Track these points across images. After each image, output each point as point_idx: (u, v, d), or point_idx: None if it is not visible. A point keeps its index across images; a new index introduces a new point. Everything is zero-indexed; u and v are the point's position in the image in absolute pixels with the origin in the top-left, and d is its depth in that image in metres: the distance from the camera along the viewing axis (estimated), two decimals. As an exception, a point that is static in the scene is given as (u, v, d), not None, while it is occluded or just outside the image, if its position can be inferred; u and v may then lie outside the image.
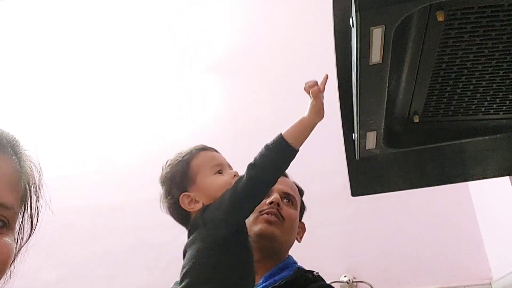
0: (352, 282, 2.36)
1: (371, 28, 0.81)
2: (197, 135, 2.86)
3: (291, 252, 1.68)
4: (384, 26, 0.81)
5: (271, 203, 1.62)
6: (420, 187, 1.55)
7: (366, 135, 1.15)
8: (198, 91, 3.07)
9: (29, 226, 0.83)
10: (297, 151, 1.28)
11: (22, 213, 0.81)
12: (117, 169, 2.96)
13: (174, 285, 1.48)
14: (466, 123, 1.20)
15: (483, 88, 1.07)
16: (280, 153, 1.27)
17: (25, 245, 0.83)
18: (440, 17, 0.85)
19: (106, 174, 2.96)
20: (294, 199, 1.71)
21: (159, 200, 1.43)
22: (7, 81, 3.30)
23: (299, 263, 1.64)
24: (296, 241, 1.71)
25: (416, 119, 1.17)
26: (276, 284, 1.49)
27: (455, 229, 2.41)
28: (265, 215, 1.61)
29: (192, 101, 3.06)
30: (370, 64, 0.89)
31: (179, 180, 1.38)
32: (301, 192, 1.78)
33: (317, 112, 1.30)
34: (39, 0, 3.50)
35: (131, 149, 2.99)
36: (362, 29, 0.81)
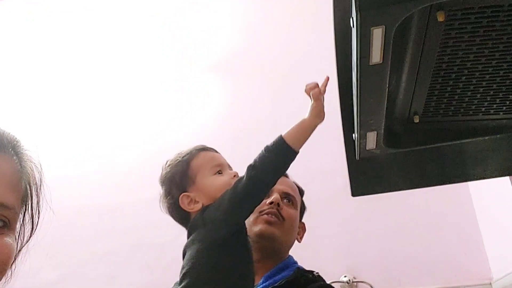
0: (352, 282, 2.36)
1: (371, 28, 0.81)
2: (197, 135, 2.86)
3: (291, 252, 1.68)
4: (384, 26, 0.81)
5: (271, 203, 1.62)
6: (420, 187, 1.55)
7: (366, 135, 1.15)
8: (198, 91, 3.07)
9: (30, 226, 0.83)
10: (297, 153, 1.28)
11: (23, 213, 0.81)
12: (117, 169, 2.96)
13: (174, 286, 1.48)
14: (466, 123, 1.20)
15: (483, 88, 1.07)
16: (280, 154, 1.27)
17: (26, 245, 0.83)
18: (441, 18, 0.85)
19: (106, 174, 2.96)
20: (294, 199, 1.71)
21: (159, 200, 1.43)
22: (7, 81, 3.30)
23: (300, 263, 1.64)
24: (296, 241, 1.71)
25: (416, 119, 1.17)
26: (276, 284, 1.49)
27: (455, 229, 2.42)
28: (265, 216, 1.61)
29: (192, 101, 3.06)
30: (371, 64, 0.89)
31: (179, 180, 1.38)
32: (301, 192, 1.78)
33: (318, 114, 1.30)
34: (39, 0, 3.50)
35: (131, 149, 2.99)
36: (362, 29, 0.81)
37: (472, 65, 0.99)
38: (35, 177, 0.83)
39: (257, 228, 1.60)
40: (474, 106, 1.14)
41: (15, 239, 0.79)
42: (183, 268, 1.27)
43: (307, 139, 1.29)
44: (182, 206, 1.36)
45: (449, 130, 1.22)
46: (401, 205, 2.47)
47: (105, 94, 3.18)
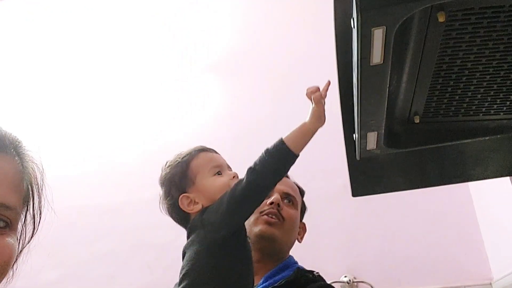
0: (353, 282, 2.36)
1: (372, 29, 0.81)
2: (197, 135, 2.86)
3: (291, 252, 1.68)
4: (385, 27, 0.81)
5: (271, 203, 1.62)
6: (421, 187, 1.55)
7: (366, 135, 1.15)
8: (198, 91, 3.07)
9: (31, 227, 0.83)
10: (297, 156, 1.28)
11: (24, 213, 0.81)
12: (117, 169, 2.96)
13: (174, 287, 1.48)
14: (467, 123, 1.20)
15: (483, 89, 1.07)
16: (280, 158, 1.27)
17: (27, 245, 0.83)
18: (441, 18, 0.85)
19: (106, 174, 2.96)
20: (295, 199, 1.71)
21: (159, 201, 1.43)
22: (7, 81, 3.29)
23: (300, 263, 1.64)
24: (297, 241, 1.71)
25: (417, 120, 1.17)
26: (276, 284, 1.49)
27: (456, 229, 2.42)
28: (265, 216, 1.61)
29: (192, 101, 3.06)
30: (371, 64, 0.89)
31: (178, 181, 1.38)
32: (301, 193, 1.78)
33: (319, 118, 1.30)
34: (39, 0, 3.50)
35: (131, 149, 2.99)
36: (363, 30, 0.81)
37: (473, 66, 0.99)
38: (36, 178, 0.83)
39: (257, 228, 1.60)
40: (474, 107, 1.14)
41: (17, 239, 0.79)
42: (182, 268, 1.27)
43: (307, 142, 1.29)
44: (181, 207, 1.36)
45: (450, 131, 1.22)
46: (402, 205, 2.47)
47: (105, 94, 3.19)
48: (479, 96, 1.10)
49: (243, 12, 3.25)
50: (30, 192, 0.82)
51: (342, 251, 2.47)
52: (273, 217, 1.62)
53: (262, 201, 1.36)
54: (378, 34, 0.82)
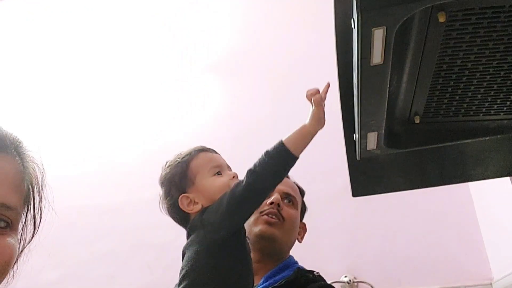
0: (353, 282, 2.36)
1: (372, 29, 0.81)
2: (197, 135, 2.86)
3: (292, 252, 1.68)
4: (385, 27, 0.81)
5: (271, 203, 1.62)
6: (421, 187, 1.55)
7: (367, 135, 1.15)
8: (198, 91, 3.07)
9: (32, 227, 0.83)
10: (297, 158, 1.28)
11: (25, 213, 0.81)
12: (117, 169, 2.96)
13: None
14: (467, 123, 1.20)
15: (484, 89, 1.07)
16: (280, 160, 1.27)
17: (28, 245, 0.83)
18: (441, 18, 0.85)
19: (106, 174, 2.96)
20: (295, 199, 1.71)
21: (159, 201, 1.43)
22: (7, 81, 3.29)
23: (300, 263, 1.64)
24: (297, 241, 1.71)
25: (417, 120, 1.17)
26: (276, 284, 1.49)
27: (456, 229, 2.42)
28: (265, 216, 1.61)
29: (192, 101, 3.06)
30: (371, 65, 0.89)
31: (178, 181, 1.38)
32: (302, 193, 1.78)
33: (319, 120, 1.30)
34: (39, 0, 3.50)
35: (131, 149, 2.99)
36: (363, 30, 0.81)
37: (473, 66, 0.99)
38: (37, 178, 0.83)
39: (257, 228, 1.60)
40: (474, 107, 1.14)
41: (17, 239, 0.79)
42: (182, 269, 1.27)
43: (307, 144, 1.29)
44: (181, 207, 1.36)
45: (450, 131, 1.22)
46: (402, 206, 2.47)
47: (105, 94, 3.18)
48: (479, 96, 1.10)
49: (243, 12, 3.25)
50: (31, 192, 0.82)
51: (342, 251, 2.47)
52: (273, 217, 1.62)
53: (262, 203, 1.36)
54: (378, 34, 0.82)
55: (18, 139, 0.82)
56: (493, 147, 1.33)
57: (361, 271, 2.39)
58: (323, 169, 2.59)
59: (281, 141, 1.28)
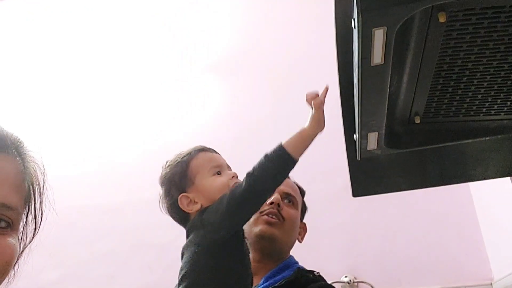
0: (353, 282, 2.36)
1: (373, 29, 0.81)
2: (197, 135, 2.86)
3: (292, 252, 1.68)
4: (386, 28, 0.81)
5: (271, 203, 1.62)
6: (421, 187, 1.55)
7: (367, 135, 1.15)
8: (198, 91, 3.08)
9: (33, 227, 0.83)
10: (296, 161, 1.28)
11: (25, 214, 0.81)
12: (117, 169, 2.96)
13: None
14: (467, 123, 1.21)
15: (484, 89, 1.07)
16: (279, 163, 1.27)
17: (29, 245, 0.83)
18: (442, 19, 0.85)
19: (106, 174, 2.96)
20: (295, 199, 1.71)
21: (159, 201, 1.43)
22: (7, 81, 3.29)
23: (300, 263, 1.64)
24: (297, 241, 1.71)
25: (417, 120, 1.17)
26: (276, 284, 1.49)
27: (456, 229, 2.42)
28: (266, 216, 1.61)
29: (192, 101, 3.06)
30: (372, 65, 0.89)
31: (178, 181, 1.38)
32: (302, 193, 1.78)
33: (318, 123, 1.30)
34: (39, 0, 3.50)
35: (131, 149, 2.99)
36: (364, 30, 0.81)
37: (473, 66, 0.99)
38: (38, 178, 0.83)
39: (258, 228, 1.60)
40: (475, 107, 1.14)
41: (18, 239, 0.79)
42: (181, 269, 1.28)
43: (307, 147, 1.29)
44: (181, 206, 1.36)
45: (450, 131, 1.22)
46: (402, 206, 2.47)
47: (105, 94, 3.19)
48: (479, 96, 1.10)
49: (243, 12, 3.25)
50: (32, 192, 0.82)
51: (342, 251, 2.47)
52: (273, 217, 1.61)
53: (262, 205, 1.37)
54: (378, 35, 0.82)
55: (19, 139, 0.82)
56: (494, 147, 1.33)
57: (362, 271, 2.39)
58: (323, 169, 2.59)
59: (281, 144, 1.28)
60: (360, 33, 0.82)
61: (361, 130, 1.12)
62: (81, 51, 3.31)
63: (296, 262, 1.64)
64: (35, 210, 0.83)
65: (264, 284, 1.53)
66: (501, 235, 2.17)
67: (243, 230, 1.36)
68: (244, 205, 1.27)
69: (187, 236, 1.34)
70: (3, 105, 3.17)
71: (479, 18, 0.87)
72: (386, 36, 0.82)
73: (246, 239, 1.37)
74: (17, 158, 0.80)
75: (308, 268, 1.60)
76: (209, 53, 3.15)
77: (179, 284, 1.25)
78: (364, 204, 2.29)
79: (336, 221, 2.52)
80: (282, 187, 1.66)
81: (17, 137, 0.82)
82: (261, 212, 1.60)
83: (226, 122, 2.95)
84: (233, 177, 1.38)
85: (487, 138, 1.25)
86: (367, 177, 1.43)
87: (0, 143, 0.78)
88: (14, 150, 0.80)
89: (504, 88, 1.06)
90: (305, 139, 1.29)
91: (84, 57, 3.29)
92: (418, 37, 0.92)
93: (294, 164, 1.29)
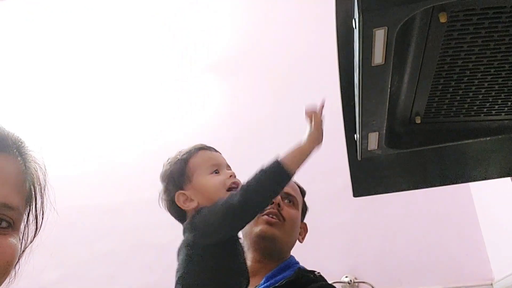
0: (354, 282, 2.36)
1: (373, 30, 0.81)
2: (197, 135, 2.86)
3: (293, 252, 1.68)
4: (386, 28, 0.81)
5: (272, 203, 1.62)
6: (422, 187, 1.55)
7: (368, 136, 1.15)
8: (198, 91, 3.08)
9: (34, 227, 0.83)
10: (292, 177, 1.29)
11: (27, 213, 0.81)
12: (117, 169, 2.96)
13: None
14: (468, 124, 1.20)
15: (485, 89, 1.07)
16: (275, 179, 1.27)
17: (30, 245, 0.83)
18: (443, 19, 0.85)
19: (106, 174, 2.96)
20: (295, 199, 1.71)
21: (158, 197, 1.44)
22: (7, 81, 3.29)
23: (301, 263, 1.64)
24: (298, 241, 1.71)
25: (418, 120, 1.17)
26: (277, 284, 1.49)
27: (457, 229, 2.42)
28: (266, 216, 1.61)
29: (192, 101, 3.06)
30: (373, 65, 0.89)
31: (176, 178, 1.39)
32: (302, 193, 1.78)
33: (317, 140, 1.32)
34: (39, 0, 3.50)
35: (131, 149, 2.99)
36: (364, 30, 0.81)
37: (474, 66, 0.99)
38: (39, 178, 0.83)
39: (258, 228, 1.60)
40: (475, 107, 1.14)
41: (19, 239, 0.79)
42: (177, 271, 1.29)
43: (304, 162, 1.30)
44: (178, 203, 1.37)
45: (451, 131, 1.22)
46: (403, 206, 2.47)
47: (105, 94, 3.19)
48: (480, 96, 1.10)
49: (243, 12, 3.25)
50: (33, 192, 0.82)
51: (343, 251, 2.47)
52: (274, 217, 1.61)
53: (255, 217, 1.37)
54: (379, 35, 0.82)
55: (20, 139, 0.82)
56: (494, 148, 1.33)
57: (362, 271, 2.39)
58: (324, 169, 2.59)
59: (277, 160, 1.28)
60: (361, 33, 0.82)
61: (362, 130, 1.12)
62: (81, 51, 3.31)
63: (297, 262, 1.64)
64: (36, 210, 0.83)
65: (265, 284, 1.53)
66: (502, 235, 2.17)
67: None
68: (237, 217, 1.27)
69: (183, 235, 1.34)
70: (4, 105, 3.17)
71: (480, 18, 0.87)
72: (387, 36, 0.82)
73: (240, 239, 1.38)
74: (18, 158, 0.80)
75: (309, 268, 1.60)
76: (209, 53, 3.15)
77: (176, 286, 1.26)
78: (365, 204, 2.30)
79: (336, 221, 2.52)
80: (283, 187, 1.66)
81: (18, 137, 0.82)
82: (261, 212, 1.60)
83: (226, 122, 2.95)
84: (230, 176, 1.39)
85: (488, 138, 1.25)
86: (368, 177, 1.43)
87: (1, 143, 0.78)
88: (15, 150, 0.80)
89: (505, 88, 1.06)
90: (303, 154, 1.30)
91: (84, 57, 3.29)
92: (419, 37, 0.92)
93: (290, 180, 1.30)
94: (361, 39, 0.83)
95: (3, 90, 3.25)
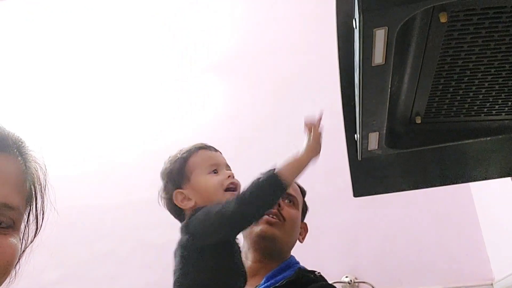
0: (354, 282, 2.36)
1: (374, 30, 0.81)
2: (197, 135, 2.84)
3: (293, 252, 1.68)
4: (387, 28, 0.81)
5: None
6: (422, 187, 1.55)
7: (368, 136, 1.15)
8: (198, 91, 3.08)
9: (34, 227, 0.83)
10: (288, 188, 1.29)
11: (27, 213, 0.81)
12: (117, 169, 2.96)
13: None
14: (468, 124, 1.20)
15: (485, 89, 1.07)
16: (271, 190, 1.26)
17: (30, 245, 0.83)
18: (443, 19, 0.85)
19: (106, 174, 2.96)
20: (296, 199, 1.71)
21: (158, 194, 1.44)
22: (7, 81, 3.29)
23: (301, 263, 1.64)
24: (298, 241, 1.71)
25: (418, 120, 1.17)
26: (277, 284, 1.49)
27: (457, 229, 2.42)
28: (266, 216, 1.61)
29: (192, 101, 3.06)
30: (373, 65, 0.89)
31: (175, 176, 1.40)
32: (303, 193, 1.78)
33: (315, 151, 1.32)
34: (39, 0, 3.50)
35: (131, 149, 2.99)
36: (365, 30, 0.81)
37: (474, 66, 0.99)
38: (39, 178, 0.83)
39: (258, 228, 1.60)
40: (476, 107, 1.14)
41: (20, 239, 0.79)
42: (174, 273, 1.29)
43: (301, 174, 1.30)
44: (175, 202, 1.37)
45: (451, 131, 1.22)
46: (403, 206, 2.47)
47: (105, 94, 3.18)
48: (480, 96, 1.10)
49: (243, 12, 3.25)
50: (33, 192, 0.82)
51: (343, 251, 2.47)
52: (274, 217, 1.61)
53: (250, 225, 1.38)
54: (380, 35, 0.82)
55: (20, 139, 0.82)
56: (495, 148, 1.33)
57: (362, 272, 2.39)
58: (324, 169, 2.58)
59: (274, 172, 1.27)
60: (361, 33, 0.82)
61: (362, 130, 1.12)
62: (81, 51, 3.31)
63: (297, 262, 1.64)
64: (36, 210, 0.83)
65: (265, 284, 1.53)
66: (502, 235, 2.17)
67: None
68: (231, 226, 1.27)
69: (180, 235, 1.35)
70: (4, 105, 3.17)
71: (480, 18, 0.86)
72: (387, 36, 0.82)
73: (237, 238, 1.38)
74: (19, 158, 0.80)
75: (309, 268, 1.60)
76: (209, 53, 3.15)
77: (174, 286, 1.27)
78: (365, 204, 2.29)
79: (336, 221, 2.52)
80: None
81: (18, 137, 0.82)
82: (259, 216, 1.60)
83: (226, 122, 2.95)
84: (229, 177, 1.39)
85: (488, 138, 1.25)
86: (368, 177, 1.43)
87: (2, 143, 0.78)
88: (15, 150, 0.80)
89: (505, 88, 1.06)
90: (300, 166, 1.30)
91: (84, 57, 3.29)
92: (419, 37, 0.92)
93: (285, 192, 1.30)
94: (361, 39, 0.83)
95: (3, 90, 3.25)
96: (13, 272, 0.78)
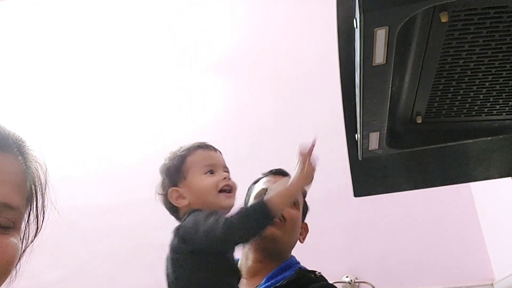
0: (354, 282, 2.36)
1: (374, 29, 0.81)
2: (197, 135, 2.84)
3: (293, 252, 1.68)
4: (388, 27, 0.81)
5: None
6: (423, 187, 1.55)
7: (369, 135, 1.15)
8: (198, 91, 3.08)
9: (35, 226, 0.83)
10: (275, 217, 1.29)
11: (27, 213, 0.81)
12: (117, 169, 2.96)
13: None
14: (469, 123, 1.20)
15: (486, 89, 1.07)
16: (258, 219, 1.26)
17: (31, 245, 0.83)
18: (444, 18, 0.85)
19: (106, 174, 2.96)
20: (296, 199, 1.70)
21: (155, 190, 1.45)
22: (8, 81, 3.29)
23: (302, 263, 1.64)
24: (298, 241, 1.71)
25: (419, 120, 1.17)
26: (278, 284, 1.49)
27: (457, 230, 2.42)
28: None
29: (192, 101, 3.07)
30: (374, 65, 0.89)
31: (172, 174, 1.41)
32: (303, 193, 1.78)
33: (305, 180, 1.32)
34: (39, 0, 3.50)
35: (131, 149, 2.99)
36: (365, 30, 0.81)
37: (475, 66, 0.99)
38: (40, 177, 0.83)
39: (259, 228, 1.60)
40: (476, 107, 1.14)
41: (20, 239, 0.79)
42: (167, 276, 1.30)
43: (290, 203, 1.30)
44: (170, 200, 1.38)
45: (452, 131, 1.22)
46: (403, 206, 2.47)
47: (105, 94, 3.19)
48: (481, 96, 1.09)
49: (243, 12, 3.25)
50: (34, 192, 0.82)
51: (343, 252, 2.47)
52: (274, 217, 1.61)
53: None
54: (380, 35, 0.82)
55: (21, 138, 0.82)
56: (495, 147, 1.33)
57: (363, 271, 2.39)
58: (325, 169, 2.57)
59: (264, 202, 1.27)
60: (362, 33, 0.82)
61: (363, 130, 1.12)
62: (81, 51, 3.31)
63: (298, 262, 1.64)
64: (37, 210, 0.83)
65: (266, 284, 1.53)
66: (503, 235, 2.17)
67: None
68: (219, 246, 1.27)
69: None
70: (4, 105, 3.17)
71: (481, 18, 0.86)
72: (388, 36, 0.82)
73: None
74: (19, 158, 0.80)
75: (310, 268, 1.59)
76: (209, 53, 3.15)
77: None
78: (365, 204, 2.29)
79: (337, 221, 2.52)
80: (283, 187, 1.66)
81: (19, 136, 0.82)
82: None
83: (226, 122, 2.95)
84: (224, 178, 1.39)
85: (489, 138, 1.24)
86: (369, 177, 1.43)
87: (2, 142, 0.78)
88: (16, 150, 0.80)
89: (506, 88, 1.06)
90: (291, 195, 1.32)
91: (84, 57, 3.29)
92: (420, 37, 0.91)
93: (272, 221, 1.30)
94: (362, 39, 0.83)
95: (4, 90, 3.25)
96: (13, 272, 0.78)
